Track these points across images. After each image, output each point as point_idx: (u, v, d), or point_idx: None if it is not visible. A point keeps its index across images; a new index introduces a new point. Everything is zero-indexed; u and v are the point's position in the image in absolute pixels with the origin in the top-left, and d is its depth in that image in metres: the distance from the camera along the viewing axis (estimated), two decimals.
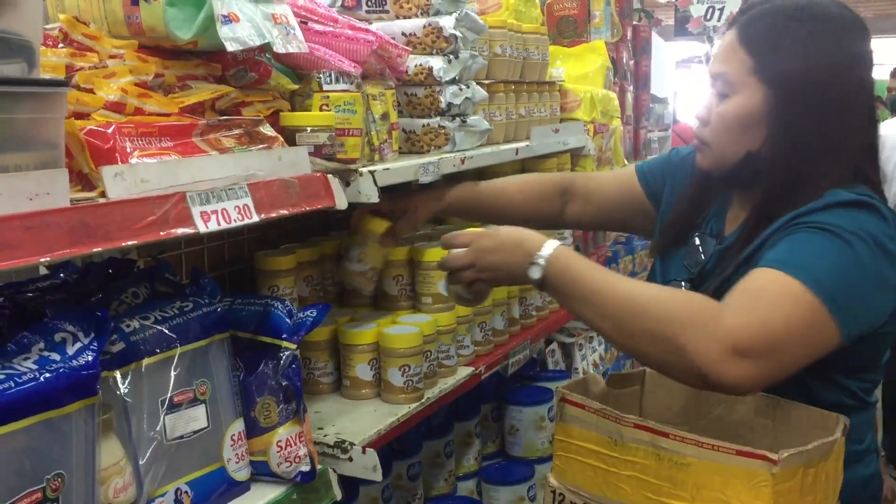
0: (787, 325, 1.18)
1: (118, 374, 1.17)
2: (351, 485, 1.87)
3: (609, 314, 1.25)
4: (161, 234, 1.08)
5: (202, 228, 1.15)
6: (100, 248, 0.99)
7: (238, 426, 1.34)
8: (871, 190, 1.35)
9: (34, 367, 1.00)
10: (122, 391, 1.17)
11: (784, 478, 1.10)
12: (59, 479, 1.00)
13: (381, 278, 1.90)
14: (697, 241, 1.54)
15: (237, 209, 1.22)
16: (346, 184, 1.50)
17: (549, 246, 1.33)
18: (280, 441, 1.36)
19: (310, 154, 1.44)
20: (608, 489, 1.25)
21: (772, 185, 1.37)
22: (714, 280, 1.44)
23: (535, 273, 1.32)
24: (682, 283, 1.52)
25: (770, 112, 1.34)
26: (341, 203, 1.45)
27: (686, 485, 1.16)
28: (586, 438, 1.27)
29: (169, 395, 1.23)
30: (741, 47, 1.37)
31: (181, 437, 1.24)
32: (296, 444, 1.37)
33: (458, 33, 1.88)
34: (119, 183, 1.06)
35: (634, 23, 3.72)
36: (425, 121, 1.91)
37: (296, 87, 1.56)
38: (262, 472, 1.37)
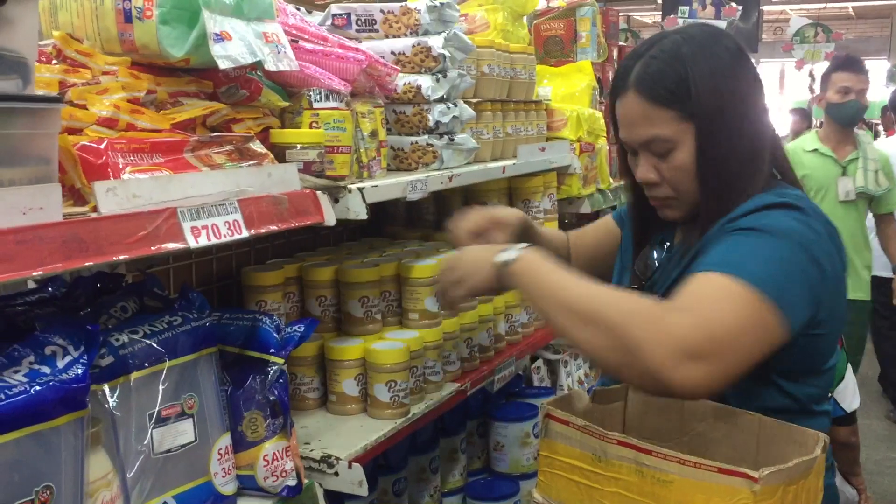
0: (732, 322, 1.20)
1: (107, 388, 1.17)
2: (336, 500, 1.87)
3: (568, 310, 1.28)
4: (152, 248, 1.10)
5: (192, 243, 1.16)
6: (92, 263, 1.00)
7: (225, 440, 1.34)
8: (790, 185, 1.47)
9: (24, 379, 1.00)
10: (110, 404, 1.17)
11: (765, 496, 1.11)
12: (48, 492, 1.00)
13: (347, 300, 1.88)
14: (649, 251, 1.60)
15: (227, 225, 1.23)
16: (335, 200, 1.52)
17: (521, 245, 1.44)
18: (267, 455, 1.37)
19: (299, 171, 1.45)
20: None
21: (706, 198, 1.44)
22: (659, 289, 1.49)
23: (507, 255, 1.40)
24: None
25: (699, 142, 1.42)
26: (330, 219, 1.46)
27: (668, 502, 1.17)
28: (570, 454, 1.29)
29: (157, 408, 1.23)
30: (656, 106, 1.41)
31: (168, 450, 1.25)
32: (282, 459, 1.38)
33: (446, 53, 1.91)
34: (111, 198, 1.07)
35: (620, 43, 3.77)
36: (413, 138, 1.94)
37: (286, 104, 1.59)
38: (248, 486, 1.38)
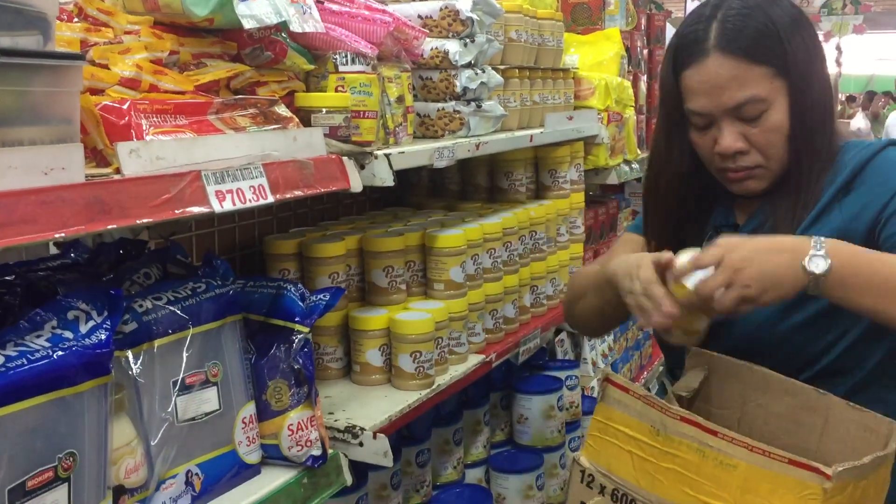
0: None
1: (130, 354, 1.15)
2: (359, 470, 1.85)
3: None
4: (176, 212, 1.07)
5: (217, 208, 1.13)
6: (115, 225, 0.97)
7: (249, 409, 1.33)
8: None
9: (47, 344, 0.98)
10: (134, 371, 1.15)
11: (835, 492, 1.05)
12: (71, 459, 0.98)
13: (371, 270, 1.83)
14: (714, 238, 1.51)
15: (252, 189, 1.20)
16: (361, 166, 1.48)
17: (818, 238, 1.21)
18: (291, 424, 1.35)
19: (325, 135, 1.42)
20: (643, 478, 1.21)
21: (803, 158, 1.40)
22: None
23: (819, 265, 1.18)
24: None
25: (794, 99, 1.40)
26: (356, 185, 1.43)
27: (730, 487, 1.11)
28: (627, 423, 1.22)
29: (181, 376, 1.21)
30: (749, 63, 1.34)
31: (193, 418, 1.23)
32: (307, 428, 1.36)
33: (474, 16, 1.86)
34: (134, 160, 1.04)
35: (648, 12, 3.69)
36: (440, 105, 1.89)
37: (311, 67, 1.54)
38: (273, 455, 1.36)
